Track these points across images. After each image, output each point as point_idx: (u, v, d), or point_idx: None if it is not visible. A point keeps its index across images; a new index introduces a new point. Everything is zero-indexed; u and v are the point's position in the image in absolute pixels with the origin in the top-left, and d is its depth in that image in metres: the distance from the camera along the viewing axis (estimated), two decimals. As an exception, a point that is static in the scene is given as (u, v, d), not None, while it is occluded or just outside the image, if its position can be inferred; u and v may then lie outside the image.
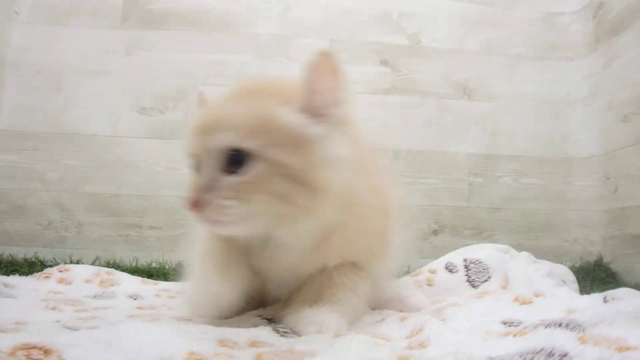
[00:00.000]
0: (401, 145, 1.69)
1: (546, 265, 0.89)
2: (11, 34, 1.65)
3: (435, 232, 1.64)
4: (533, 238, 1.71)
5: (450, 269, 0.96)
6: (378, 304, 0.79)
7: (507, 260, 0.98)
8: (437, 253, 1.61)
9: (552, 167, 1.74)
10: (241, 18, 1.73)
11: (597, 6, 1.71)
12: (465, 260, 0.97)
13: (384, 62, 1.73)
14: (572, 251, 1.70)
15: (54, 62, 1.67)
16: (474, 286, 0.93)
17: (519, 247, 1.66)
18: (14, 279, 0.95)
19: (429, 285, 0.93)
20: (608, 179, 1.65)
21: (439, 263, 0.98)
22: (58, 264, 1.23)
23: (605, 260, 1.63)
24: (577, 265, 1.64)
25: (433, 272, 0.96)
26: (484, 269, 0.95)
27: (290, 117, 0.61)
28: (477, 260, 0.96)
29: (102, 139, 1.63)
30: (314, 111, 0.62)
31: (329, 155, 0.61)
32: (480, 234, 1.68)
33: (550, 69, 1.79)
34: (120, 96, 1.67)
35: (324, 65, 0.63)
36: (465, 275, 0.95)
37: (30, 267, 1.34)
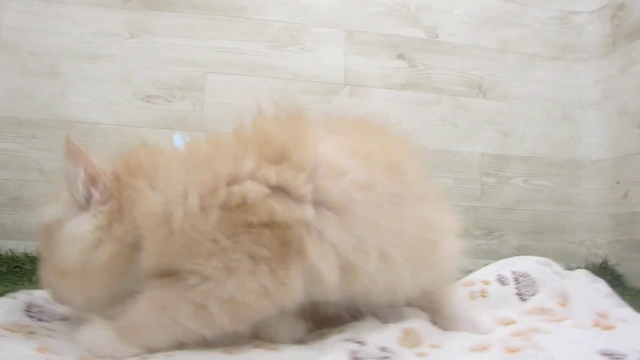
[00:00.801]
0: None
1: (605, 286, 0.88)
2: (2, 12, 1.53)
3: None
4: (539, 240, 1.71)
5: (502, 281, 0.95)
6: (443, 324, 0.76)
7: (549, 273, 0.97)
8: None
9: (562, 169, 1.74)
10: (253, 4, 1.64)
11: (617, 7, 1.68)
12: (514, 272, 0.96)
13: (400, 56, 1.68)
14: (578, 253, 1.71)
15: (50, 44, 1.56)
16: (522, 299, 0.92)
17: (526, 249, 1.68)
18: None
19: (483, 296, 0.92)
20: (618, 183, 1.65)
21: (490, 274, 0.97)
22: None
23: (610, 263, 1.65)
24: (582, 267, 1.65)
25: (486, 283, 0.94)
26: (531, 283, 0.95)
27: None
28: (525, 274, 0.96)
29: (104, 127, 1.54)
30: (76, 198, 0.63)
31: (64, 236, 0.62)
32: (490, 234, 1.67)
33: (564, 70, 1.77)
34: (123, 83, 1.57)
35: (67, 153, 0.64)
36: (515, 288, 0.94)
37: (32, 262, 1.27)
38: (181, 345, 0.58)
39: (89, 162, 0.64)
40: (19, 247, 1.36)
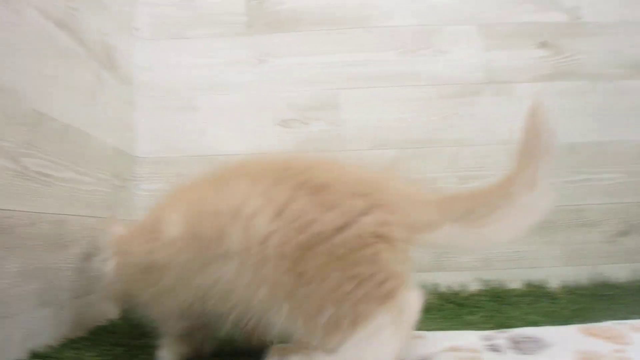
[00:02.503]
0: (573, 138, 1.50)
1: None
2: (134, 53, 1.53)
3: (624, 234, 1.47)
4: None
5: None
6: None
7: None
8: (630, 257, 1.46)
9: None
10: (377, 11, 1.56)
11: None
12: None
13: (542, 45, 1.54)
14: None
15: (182, 79, 1.55)
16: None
17: None
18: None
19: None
20: None
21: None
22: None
23: None
24: None
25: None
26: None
27: None
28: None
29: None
30: None
31: None
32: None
33: None
34: (258, 110, 1.53)
35: None
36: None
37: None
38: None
39: None
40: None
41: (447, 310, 1.21)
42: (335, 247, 0.56)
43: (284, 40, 1.56)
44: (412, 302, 0.60)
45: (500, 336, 0.80)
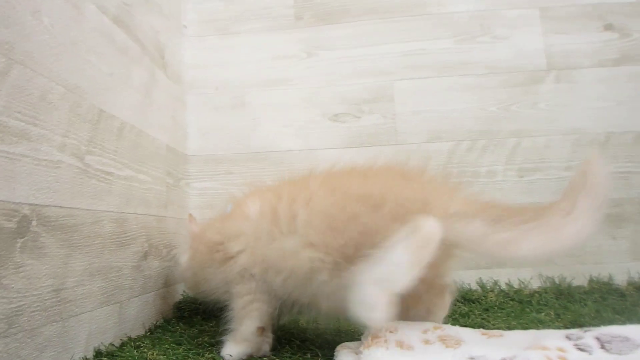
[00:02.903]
0: (642, 126, 1.42)
1: None
2: (183, 52, 1.52)
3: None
4: None
5: None
6: None
7: None
8: None
9: None
10: (431, -2, 1.51)
11: None
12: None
13: (608, 27, 1.46)
14: None
15: (231, 76, 1.53)
16: None
17: None
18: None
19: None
20: None
21: None
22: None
23: None
24: None
25: None
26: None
27: None
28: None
29: (296, 154, 1.48)
30: None
31: None
32: None
33: None
34: (308, 104, 1.50)
35: None
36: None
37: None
38: None
39: None
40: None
41: (510, 308, 1.15)
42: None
43: (333, 32, 1.52)
44: (430, 224, 0.66)
45: (586, 335, 0.75)
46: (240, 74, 1.53)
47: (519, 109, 1.45)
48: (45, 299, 0.72)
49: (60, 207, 0.76)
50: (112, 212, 0.93)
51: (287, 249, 0.77)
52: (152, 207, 1.14)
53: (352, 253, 0.70)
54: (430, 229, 0.65)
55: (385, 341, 0.71)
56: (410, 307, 0.77)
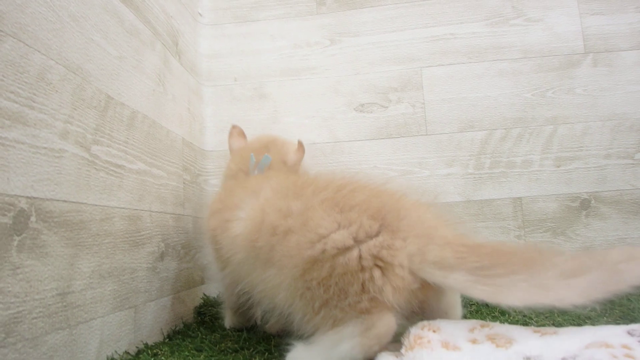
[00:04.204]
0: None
1: None
2: (199, 41, 1.44)
3: None
4: None
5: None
6: None
7: None
8: None
9: None
10: (460, -22, 1.41)
11: None
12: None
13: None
14: None
15: (250, 66, 1.45)
16: None
17: None
18: None
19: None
20: None
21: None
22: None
23: None
24: None
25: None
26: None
27: None
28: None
29: (321, 146, 1.39)
30: None
31: None
32: None
33: None
34: (333, 94, 1.41)
35: None
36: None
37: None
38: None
39: None
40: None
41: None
42: (337, 266, 0.64)
43: (357, 18, 1.44)
44: (385, 323, 0.63)
45: None
46: (260, 63, 1.45)
47: (555, 95, 1.35)
48: (49, 304, 0.64)
49: (65, 201, 0.68)
50: (123, 208, 0.85)
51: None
52: (169, 205, 1.06)
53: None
54: (384, 329, 0.63)
55: (429, 342, 0.62)
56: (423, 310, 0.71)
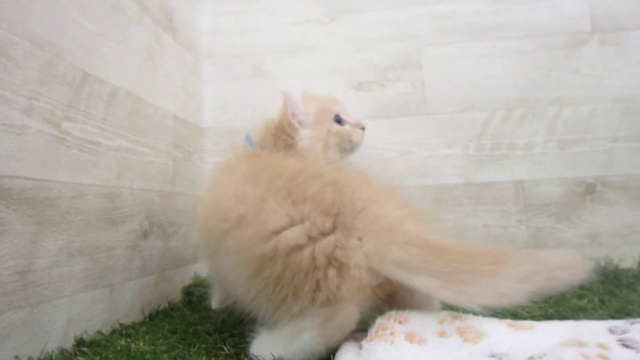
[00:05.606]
0: None
1: None
2: (199, 16, 1.42)
3: None
4: None
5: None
6: None
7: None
8: None
9: None
10: (466, -47, 1.36)
11: None
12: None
13: (668, -18, 1.28)
14: None
15: (249, 43, 1.43)
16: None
17: None
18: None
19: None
20: None
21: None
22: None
23: None
24: None
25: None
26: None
27: None
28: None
29: (317, 126, 1.36)
30: None
31: None
32: None
33: None
34: (331, 72, 1.38)
35: None
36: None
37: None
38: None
39: None
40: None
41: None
42: (290, 264, 0.61)
43: (359, -6, 1.40)
44: (347, 313, 0.61)
45: (633, 327, 0.62)
46: (258, 40, 1.42)
47: (560, 75, 1.30)
48: (6, 282, 0.63)
49: (27, 178, 0.67)
50: (98, 186, 0.84)
51: None
52: (154, 182, 1.05)
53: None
54: (345, 318, 0.61)
55: (392, 334, 0.60)
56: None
